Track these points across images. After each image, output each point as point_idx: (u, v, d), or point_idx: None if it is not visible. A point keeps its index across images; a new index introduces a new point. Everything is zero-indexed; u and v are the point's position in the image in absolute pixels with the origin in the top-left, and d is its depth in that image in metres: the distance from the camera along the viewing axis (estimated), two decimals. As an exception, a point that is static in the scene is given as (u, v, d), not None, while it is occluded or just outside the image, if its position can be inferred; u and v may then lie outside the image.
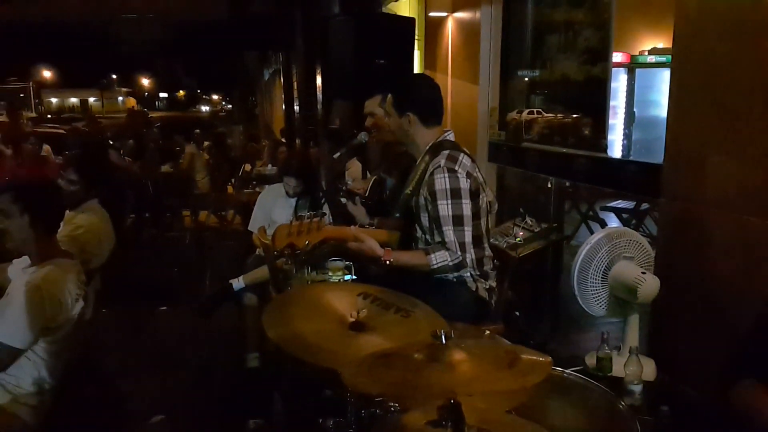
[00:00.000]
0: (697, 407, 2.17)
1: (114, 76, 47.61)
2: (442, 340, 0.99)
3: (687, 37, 2.46)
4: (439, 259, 2.23)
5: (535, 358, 1.00)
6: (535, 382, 0.91)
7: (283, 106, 8.39)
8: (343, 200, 2.73)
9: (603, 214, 6.25)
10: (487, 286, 2.43)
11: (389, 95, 2.48)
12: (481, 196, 2.37)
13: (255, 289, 3.37)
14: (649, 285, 2.26)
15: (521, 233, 3.45)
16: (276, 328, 1.28)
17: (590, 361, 2.32)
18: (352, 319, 1.35)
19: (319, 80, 4.90)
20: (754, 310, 1.62)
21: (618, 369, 2.18)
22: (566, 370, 2.05)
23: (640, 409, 2.08)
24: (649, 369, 2.29)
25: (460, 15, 5.06)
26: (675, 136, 2.51)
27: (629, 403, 2.04)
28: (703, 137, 2.35)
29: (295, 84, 6.65)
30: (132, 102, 41.75)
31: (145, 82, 50.76)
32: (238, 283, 3.41)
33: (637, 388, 2.10)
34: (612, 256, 2.30)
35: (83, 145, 6.67)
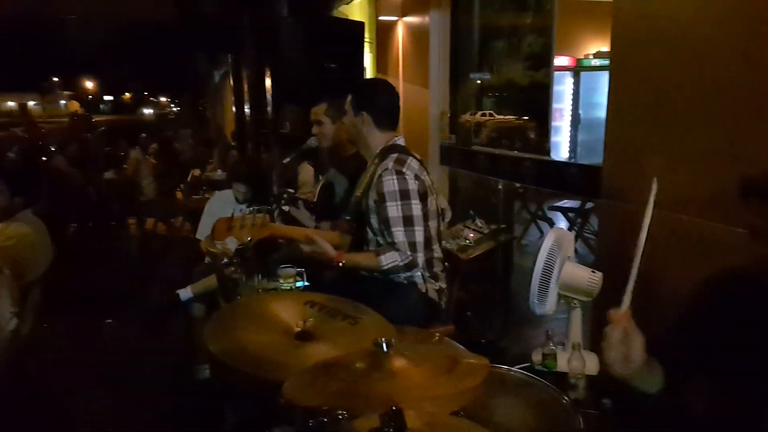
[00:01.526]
0: (637, 399, 2.26)
1: (55, 79, 45.89)
2: (383, 348, 1.00)
3: (623, 43, 2.56)
4: (390, 260, 2.26)
5: (472, 361, 1.02)
6: (472, 385, 0.93)
7: (234, 109, 8.25)
8: (286, 208, 2.71)
9: (551, 214, 6.40)
10: (437, 288, 2.47)
11: (349, 95, 2.50)
12: (429, 199, 2.40)
13: (204, 298, 3.31)
14: (599, 283, 2.35)
15: (471, 235, 3.50)
16: (218, 341, 1.26)
17: (536, 357, 2.38)
18: (298, 329, 1.34)
19: (269, 83, 4.85)
20: (686, 302, 1.70)
21: (562, 364, 2.25)
22: (512, 368, 2.11)
23: (584, 402, 2.14)
24: (592, 363, 2.36)
25: (410, 19, 5.11)
26: (613, 138, 2.60)
27: (573, 397, 2.10)
28: (639, 139, 2.45)
29: (246, 87, 6.55)
30: (75, 106, 40.29)
31: (89, 84, 49.14)
32: (185, 293, 3.34)
33: (581, 383, 2.17)
34: (562, 259, 2.37)
35: (17, 151, 6.41)
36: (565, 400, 1.94)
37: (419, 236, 2.28)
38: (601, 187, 2.65)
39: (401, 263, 2.26)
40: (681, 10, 2.26)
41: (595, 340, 2.67)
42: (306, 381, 0.98)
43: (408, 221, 2.27)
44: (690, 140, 2.20)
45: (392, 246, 2.27)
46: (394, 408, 0.93)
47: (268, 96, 4.88)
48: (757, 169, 1.39)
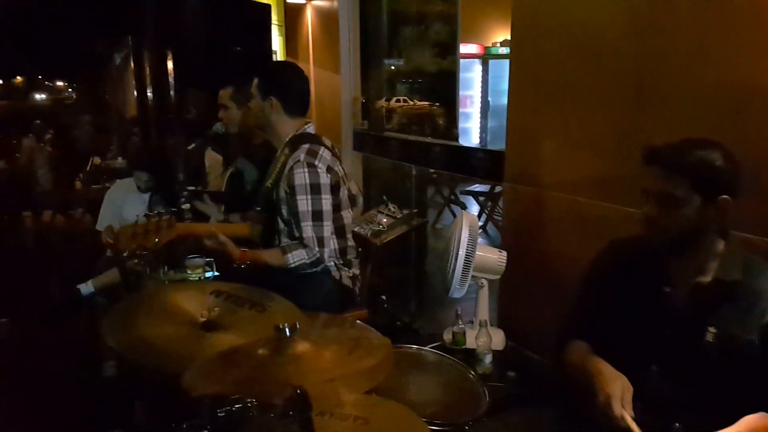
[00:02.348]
0: (540, 371, 2.39)
1: (-66, 61, 41.75)
2: (285, 333, 1.00)
3: (523, 32, 2.65)
4: (296, 257, 2.24)
5: (375, 341, 1.05)
6: (373, 364, 0.95)
7: (135, 94, 7.86)
8: (187, 206, 2.62)
9: (463, 198, 6.58)
10: (351, 274, 2.48)
11: (255, 78, 2.42)
12: (341, 189, 2.40)
13: (106, 293, 3.17)
14: (505, 261, 2.47)
15: (385, 220, 3.55)
16: (117, 335, 1.22)
17: (447, 336, 2.47)
18: (203, 319, 1.31)
19: (171, 66, 4.66)
20: (582, 277, 1.81)
21: (471, 341, 2.34)
22: (423, 348, 2.18)
23: (491, 376, 2.25)
24: (498, 339, 2.48)
25: (319, 3, 5.05)
26: (514, 124, 2.71)
27: (481, 372, 2.21)
28: (538, 125, 2.56)
29: (148, 70, 6.25)
30: (-42, 90, 36.91)
31: (-26, 67, 45.09)
32: (86, 287, 3.19)
33: (488, 358, 2.28)
34: (475, 244, 2.45)
35: None
36: (472, 374, 2.03)
37: (327, 231, 2.28)
38: (504, 172, 2.75)
39: (308, 260, 2.25)
40: (573, 5, 2.37)
41: (501, 317, 2.81)
42: (206, 370, 0.96)
43: (317, 216, 2.25)
44: (586, 126, 2.32)
45: (300, 243, 2.26)
46: (298, 391, 0.94)
47: (171, 80, 4.69)
48: (640, 153, 1.48)
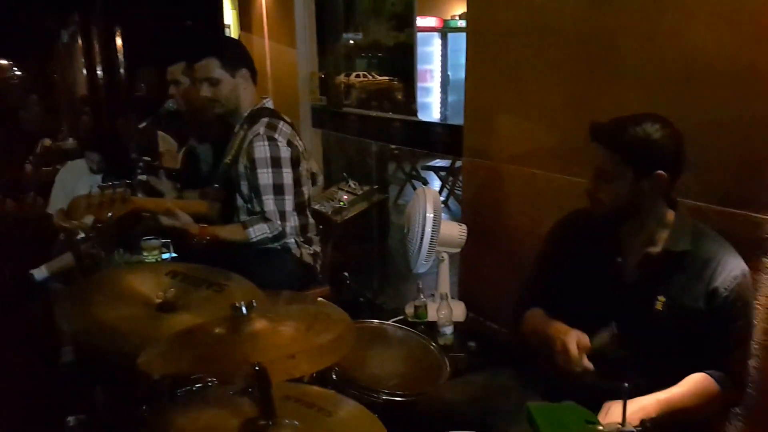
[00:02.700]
0: (500, 339, 2.45)
1: None
2: (242, 312, 1.00)
3: (478, 6, 2.66)
4: (258, 232, 2.22)
5: (333, 316, 1.06)
6: (331, 338, 0.96)
7: (85, 72, 7.59)
8: (143, 177, 2.57)
9: (424, 173, 6.62)
10: (312, 252, 2.48)
11: (215, 58, 2.35)
12: (302, 164, 2.38)
13: (61, 277, 3.09)
14: (466, 234, 2.50)
15: (345, 197, 3.55)
16: (72, 318, 1.20)
17: (409, 310, 2.50)
18: (159, 301, 1.30)
19: (120, 43, 4.50)
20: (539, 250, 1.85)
21: (432, 314, 2.38)
22: (384, 322, 2.20)
23: (452, 347, 2.30)
24: (459, 311, 2.53)
25: (272, -24, 4.94)
26: (472, 98, 2.72)
27: (443, 343, 2.25)
28: (494, 99, 2.57)
29: (97, 47, 6.03)
30: None
31: None
32: (40, 272, 3.10)
33: (449, 329, 2.32)
34: (439, 219, 2.47)
35: None
36: (434, 346, 2.06)
37: (289, 205, 2.26)
38: (463, 146, 2.77)
39: (270, 234, 2.23)
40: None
41: (462, 290, 2.85)
42: (161, 351, 0.96)
43: (279, 190, 2.24)
44: (542, 99, 2.34)
45: (261, 217, 2.23)
46: (257, 368, 0.94)
47: (121, 57, 4.55)
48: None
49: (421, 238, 2.38)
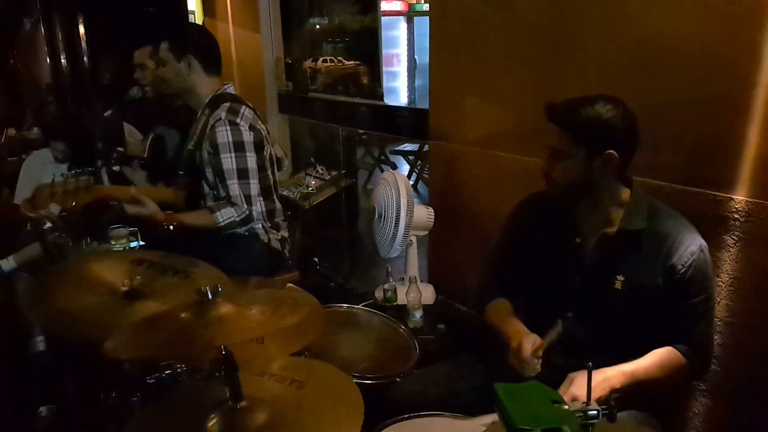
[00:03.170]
0: (468, 322, 2.50)
1: None
2: (208, 297, 1.02)
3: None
4: (226, 216, 2.23)
5: (299, 300, 1.08)
6: (296, 321, 0.99)
7: (48, 60, 7.38)
8: (116, 168, 2.55)
9: (393, 158, 6.63)
10: (279, 237, 2.49)
11: (164, 41, 2.35)
12: (266, 148, 2.38)
13: (29, 268, 3.05)
14: (434, 218, 2.54)
15: (313, 182, 3.55)
16: (36, 307, 1.20)
17: (378, 294, 2.53)
18: (125, 288, 1.30)
19: (83, 30, 4.40)
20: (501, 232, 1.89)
21: (402, 297, 2.42)
22: (354, 306, 2.23)
23: (422, 329, 2.34)
24: (428, 294, 2.57)
25: (236, -41, 4.87)
26: (436, 82, 2.74)
27: (412, 326, 2.29)
28: (458, 82, 2.60)
29: (60, 35, 5.87)
30: None
31: None
32: (8, 263, 3.06)
33: (418, 312, 2.36)
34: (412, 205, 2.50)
35: None
36: (403, 329, 2.10)
37: (254, 189, 2.27)
38: (429, 129, 2.80)
39: (237, 218, 2.24)
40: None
41: (431, 272, 2.89)
42: (127, 336, 0.97)
43: (243, 174, 2.24)
44: (505, 81, 2.37)
45: (227, 201, 2.24)
46: (223, 352, 0.96)
47: (84, 44, 4.44)
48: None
49: (396, 225, 2.41)
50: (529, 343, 1.47)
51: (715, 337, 1.69)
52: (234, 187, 2.22)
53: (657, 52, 1.79)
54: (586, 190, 1.54)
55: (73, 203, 1.93)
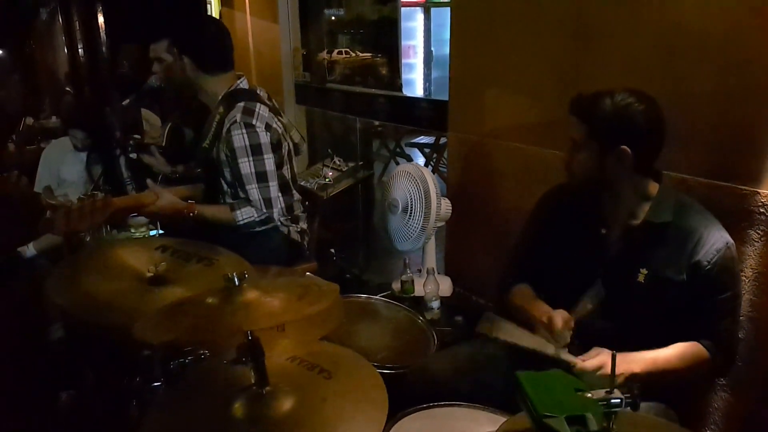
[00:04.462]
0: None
1: None
2: (234, 283, 1.02)
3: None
4: (245, 215, 2.22)
5: (324, 287, 1.08)
6: (322, 308, 0.99)
7: (66, 50, 7.44)
8: (133, 155, 2.55)
9: (408, 150, 6.61)
10: (299, 229, 2.49)
11: (166, 40, 2.34)
12: (283, 146, 2.35)
13: (48, 255, 3.09)
14: (451, 209, 2.54)
15: (330, 173, 3.55)
16: (64, 292, 1.21)
17: (396, 285, 2.54)
18: (150, 274, 1.32)
19: (102, 20, 4.43)
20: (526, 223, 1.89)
21: (419, 289, 2.42)
22: (372, 297, 2.24)
23: (439, 321, 2.34)
24: (445, 286, 2.57)
25: (255, -50, 4.86)
26: (457, 73, 2.72)
27: (429, 318, 2.29)
28: (480, 74, 2.58)
29: (77, 25, 5.91)
30: None
31: None
32: (28, 250, 3.10)
33: (436, 304, 2.36)
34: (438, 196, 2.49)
35: None
36: (421, 320, 2.10)
37: (274, 191, 2.25)
38: (448, 121, 2.78)
39: (257, 218, 2.23)
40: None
41: (448, 265, 2.89)
42: (156, 320, 0.98)
43: (261, 177, 2.21)
44: (526, 72, 2.35)
45: (248, 201, 2.24)
46: (250, 338, 0.97)
47: (102, 34, 4.47)
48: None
49: (426, 218, 2.41)
50: (560, 316, 1.48)
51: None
52: (254, 192, 2.20)
53: (683, 42, 1.76)
54: (603, 183, 1.53)
55: (91, 223, 1.93)
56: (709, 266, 1.46)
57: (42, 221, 3.31)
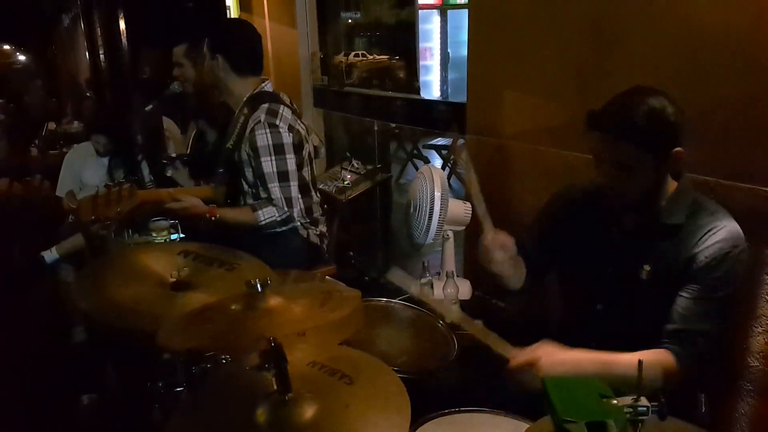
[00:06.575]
0: (506, 317, 2.48)
1: None
2: (257, 289, 1.03)
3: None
4: (267, 215, 2.25)
5: (345, 293, 1.08)
6: (345, 314, 0.99)
7: (87, 56, 7.56)
8: (169, 173, 2.59)
9: (426, 152, 6.61)
10: (318, 232, 2.50)
11: (206, 38, 2.37)
12: (305, 148, 2.39)
13: (71, 259, 3.13)
14: (471, 213, 2.52)
15: (349, 176, 3.56)
16: (88, 298, 1.22)
17: (415, 288, 2.52)
18: (173, 279, 1.32)
19: (123, 26, 4.50)
20: (539, 216, 1.86)
21: (439, 292, 2.41)
22: (392, 300, 2.23)
23: (459, 325, 2.32)
24: (465, 289, 2.55)
25: (272, -45, 4.90)
26: (475, 75, 2.71)
27: (449, 321, 2.27)
28: (498, 75, 2.57)
29: (99, 30, 6.00)
30: None
31: None
32: (50, 254, 3.15)
33: (455, 307, 2.34)
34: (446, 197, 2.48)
35: None
36: (441, 323, 2.09)
37: (294, 191, 2.28)
38: (466, 123, 2.77)
39: (278, 218, 2.26)
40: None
41: (467, 268, 2.87)
42: (179, 326, 0.98)
43: (283, 177, 2.25)
44: (545, 73, 2.34)
45: (269, 201, 2.26)
46: (273, 344, 0.97)
47: (124, 39, 4.54)
48: (601, 101, 1.45)
49: (429, 217, 2.39)
50: (490, 232, 1.55)
51: (759, 337, 1.65)
52: (275, 190, 2.23)
53: (705, 43, 1.74)
54: (653, 190, 1.46)
55: (117, 210, 1.97)
56: (705, 261, 1.39)
57: (64, 225, 3.37)
